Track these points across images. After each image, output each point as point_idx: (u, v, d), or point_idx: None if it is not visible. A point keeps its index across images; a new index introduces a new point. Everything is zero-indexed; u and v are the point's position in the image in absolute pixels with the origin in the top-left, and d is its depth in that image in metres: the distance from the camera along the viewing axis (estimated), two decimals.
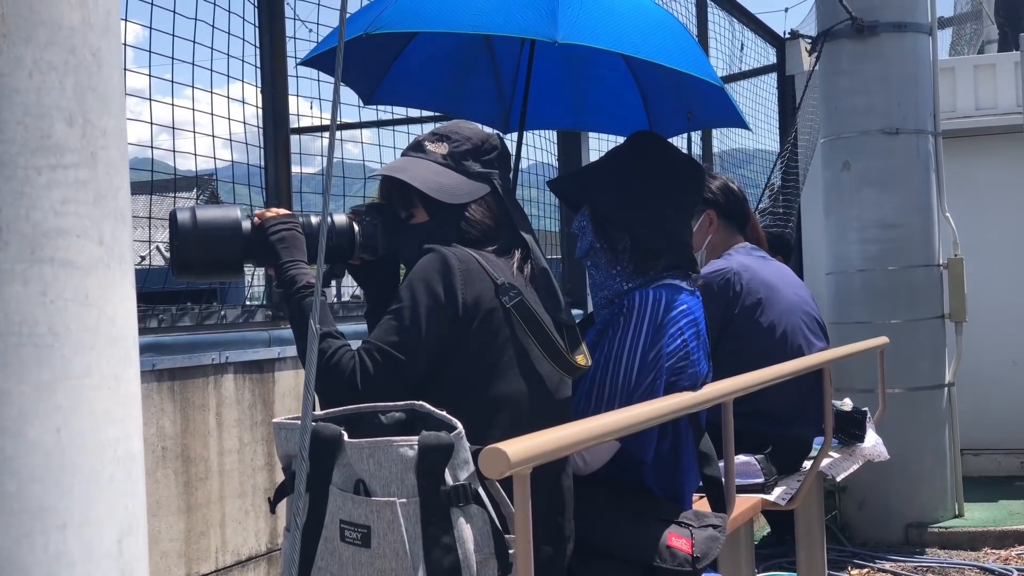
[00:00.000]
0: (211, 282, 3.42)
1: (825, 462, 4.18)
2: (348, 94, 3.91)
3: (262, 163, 4.14)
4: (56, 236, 1.29)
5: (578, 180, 3.35)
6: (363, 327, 4.25)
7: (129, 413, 1.40)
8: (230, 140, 4.00)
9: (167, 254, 2.92)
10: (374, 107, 4.74)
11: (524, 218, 2.75)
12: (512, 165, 2.85)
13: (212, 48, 3.80)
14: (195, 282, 2.93)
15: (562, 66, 3.91)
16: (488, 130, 2.78)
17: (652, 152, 3.13)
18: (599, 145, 6.42)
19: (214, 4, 3.82)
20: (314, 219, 2.75)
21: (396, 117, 5.20)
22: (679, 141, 3.90)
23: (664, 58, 3.23)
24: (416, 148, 2.73)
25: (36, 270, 1.26)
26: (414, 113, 5.10)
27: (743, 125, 3.83)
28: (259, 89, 4.11)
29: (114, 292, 1.37)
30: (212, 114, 3.87)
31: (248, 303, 4.41)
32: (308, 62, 3.61)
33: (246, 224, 2.64)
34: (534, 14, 3.12)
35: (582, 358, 2.66)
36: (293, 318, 2.60)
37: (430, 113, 5.15)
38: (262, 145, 4.10)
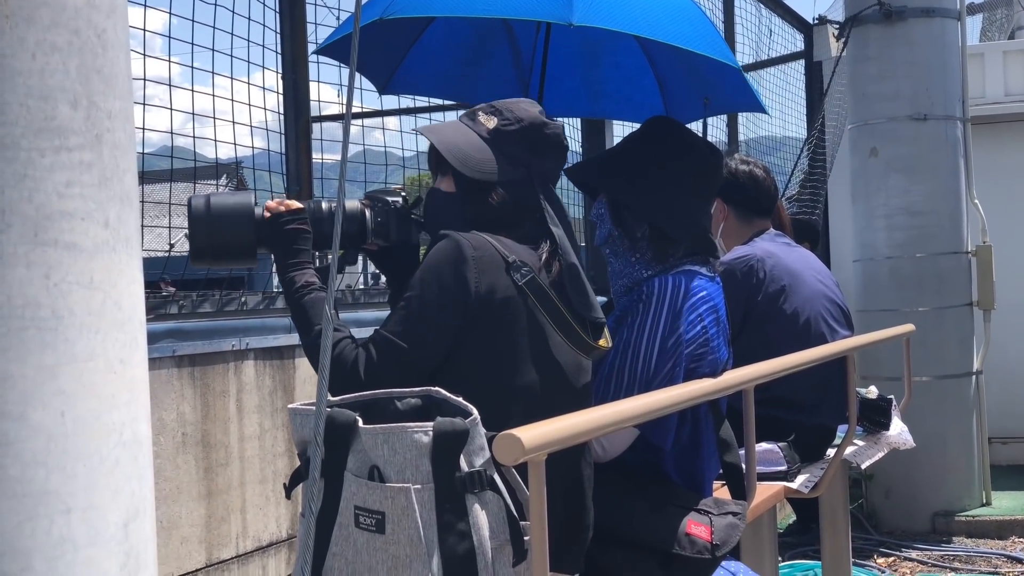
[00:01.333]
0: (227, 268, 3.42)
1: (849, 450, 4.14)
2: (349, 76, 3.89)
3: (282, 150, 4.13)
4: (60, 218, 1.28)
5: (594, 167, 3.32)
6: (375, 314, 4.26)
7: (135, 397, 1.39)
8: (250, 127, 3.99)
9: None
10: (396, 95, 4.73)
11: (560, 212, 2.66)
12: (564, 155, 2.75)
13: (232, 34, 3.79)
14: (213, 269, 2.92)
15: (578, 53, 3.89)
16: (551, 118, 2.69)
17: (668, 138, 3.10)
18: (624, 132, 6.40)
19: None
20: (324, 205, 2.75)
21: (419, 105, 5.19)
22: (696, 126, 3.87)
23: (680, 40, 3.21)
24: (469, 116, 2.68)
25: (39, 252, 1.25)
26: (437, 100, 5.09)
27: (760, 109, 3.81)
28: (280, 76, 4.10)
29: (120, 275, 1.36)
30: (233, 100, 3.86)
31: (273, 290, 4.41)
32: (323, 50, 3.61)
33: (259, 211, 2.64)
34: None
35: (604, 341, 2.63)
36: (294, 317, 2.62)
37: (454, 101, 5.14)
38: (283, 132, 4.09)
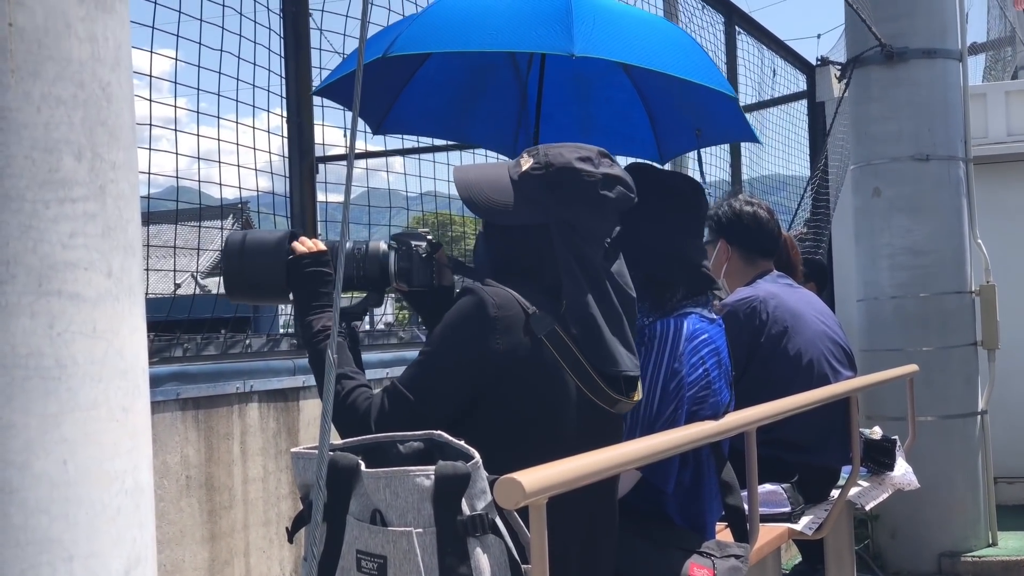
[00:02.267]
0: (260, 305, 3.50)
1: (854, 491, 4.14)
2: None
3: (287, 192, 4.16)
4: (64, 269, 1.29)
5: None
6: (389, 355, 4.27)
7: (138, 445, 1.40)
8: (255, 169, 4.02)
9: (202, 282, 3.02)
10: (399, 137, 4.77)
11: (590, 270, 2.54)
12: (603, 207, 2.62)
13: (238, 79, 3.83)
14: (247, 304, 2.98)
15: (570, 88, 3.92)
16: (593, 168, 2.57)
17: (644, 184, 3.11)
18: (624, 162, 6.42)
19: (240, 36, 3.85)
20: (351, 247, 2.76)
21: (422, 145, 5.21)
22: (691, 160, 3.92)
23: (676, 69, 3.26)
24: (516, 159, 2.64)
25: (43, 303, 1.27)
26: (440, 141, 5.11)
27: (753, 139, 3.85)
28: (284, 119, 4.14)
29: (123, 324, 1.38)
30: (238, 144, 3.89)
31: (281, 331, 4.43)
32: (322, 91, 3.64)
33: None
34: (550, 30, 3.15)
35: (636, 394, 2.60)
36: (310, 362, 2.64)
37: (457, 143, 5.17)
38: (287, 174, 4.12)
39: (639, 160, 3.61)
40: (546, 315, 2.45)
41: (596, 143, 4.50)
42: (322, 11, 4.26)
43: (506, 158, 4.02)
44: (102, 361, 1.33)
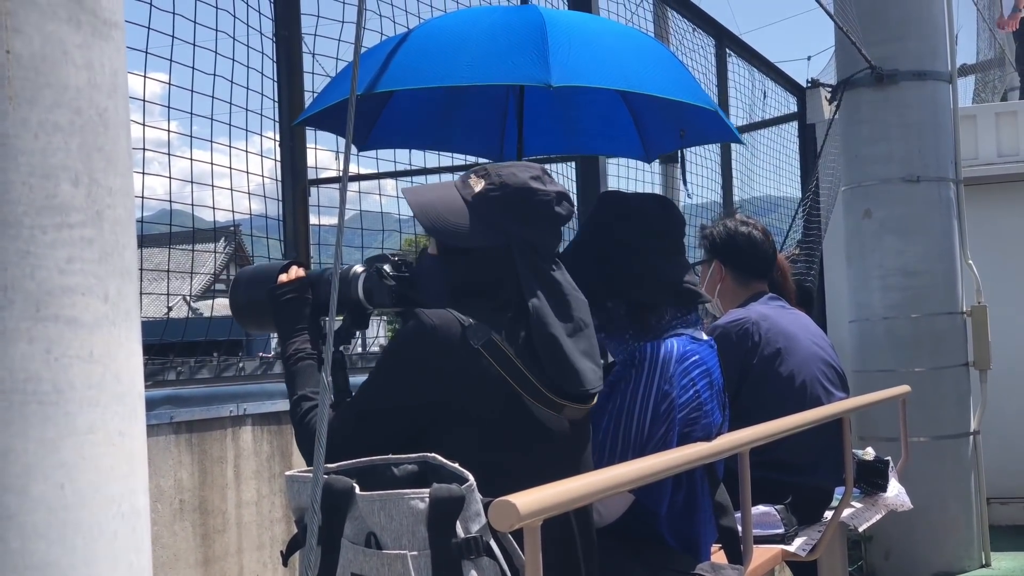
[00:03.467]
0: (264, 333, 3.58)
1: (847, 512, 4.15)
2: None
3: (279, 215, 4.18)
4: (61, 294, 1.30)
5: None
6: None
7: (134, 469, 1.41)
8: (248, 193, 4.03)
9: (194, 305, 3.14)
10: (392, 159, 4.79)
11: (550, 285, 2.56)
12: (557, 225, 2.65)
13: (231, 104, 3.84)
14: (256, 333, 3.10)
15: (551, 93, 3.95)
16: (546, 186, 2.59)
17: (613, 212, 3.12)
18: (618, 170, 6.47)
19: (233, 60, 3.87)
20: (327, 272, 2.81)
21: (414, 168, 5.23)
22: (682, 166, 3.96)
23: (656, 89, 3.30)
24: (463, 178, 2.64)
25: (41, 328, 1.28)
26: (445, 161, 5.14)
27: (736, 140, 3.88)
28: (277, 142, 4.15)
29: (120, 349, 1.39)
30: (231, 168, 3.91)
31: (263, 355, 4.44)
32: (305, 121, 3.67)
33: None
34: (526, 60, 3.17)
35: (591, 402, 2.60)
36: (286, 385, 2.68)
37: (449, 162, 5.20)
38: (280, 198, 4.14)
39: (610, 189, 3.65)
40: (481, 326, 2.44)
41: (581, 145, 4.56)
42: (314, 35, 4.28)
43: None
44: (99, 386, 1.34)
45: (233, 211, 4.00)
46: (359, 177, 5.56)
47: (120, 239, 1.41)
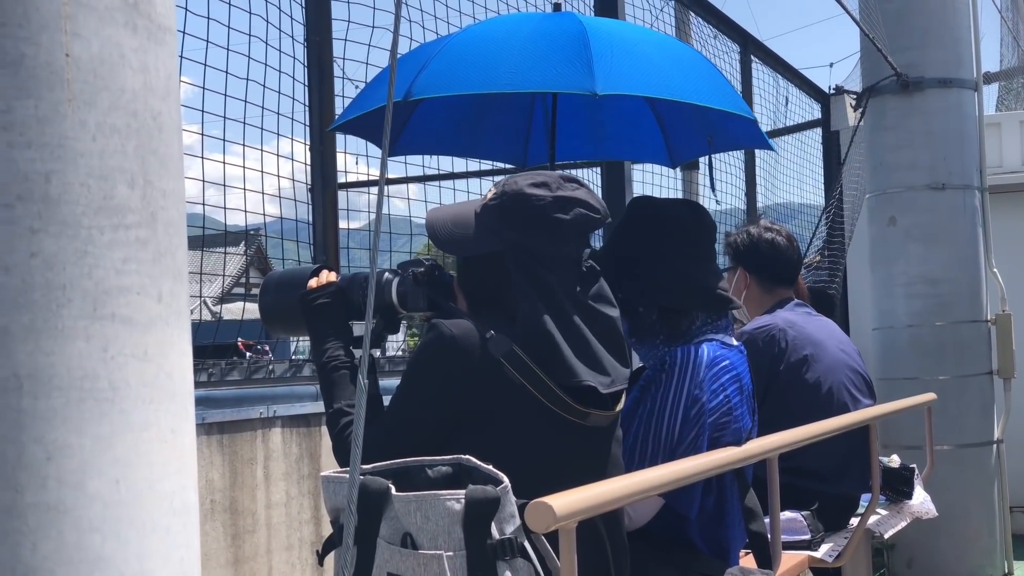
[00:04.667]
0: (294, 337, 3.62)
1: (872, 519, 4.15)
2: (375, 147, 3.98)
3: (310, 219, 4.21)
4: (117, 294, 1.33)
5: None
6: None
7: (185, 466, 1.43)
8: (279, 197, 4.06)
9: (214, 308, 3.17)
10: (420, 163, 4.82)
11: (545, 289, 2.53)
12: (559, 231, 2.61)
13: (264, 108, 3.88)
14: (282, 336, 3.12)
15: (579, 98, 3.96)
16: (543, 191, 2.58)
17: (644, 216, 3.14)
18: (642, 176, 6.50)
19: (265, 64, 3.90)
20: (360, 276, 2.83)
21: (442, 172, 5.25)
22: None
23: (697, 97, 3.30)
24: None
25: (98, 326, 1.30)
26: (466, 167, 5.16)
27: (767, 146, 3.88)
28: (307, 147, 4.18)
29: (172, 348, 1.41)
30: (262, 171, 3.94)
31: (294, 357, 4.47)
32: (338, 128, 3.70)
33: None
34: (570, 68, 3.19)
35: (617, 406, 2.62)
36: (321, 390, 2.71)
37: (477, 167, 5.22)
38: (310, 202, 4.17)
39: (641, 195, 3.66)
40: (503, 337, 2.46)
41: (607, 151, 4.59)
42: (345, 41, 4.31)
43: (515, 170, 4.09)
44: (153, 384, 1.36)
45: (264, 215, 4.03)
46: (387, 182, 5.58)
47: (172, 240, 1.43)
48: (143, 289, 1.36)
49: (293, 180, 4.15)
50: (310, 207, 4.18)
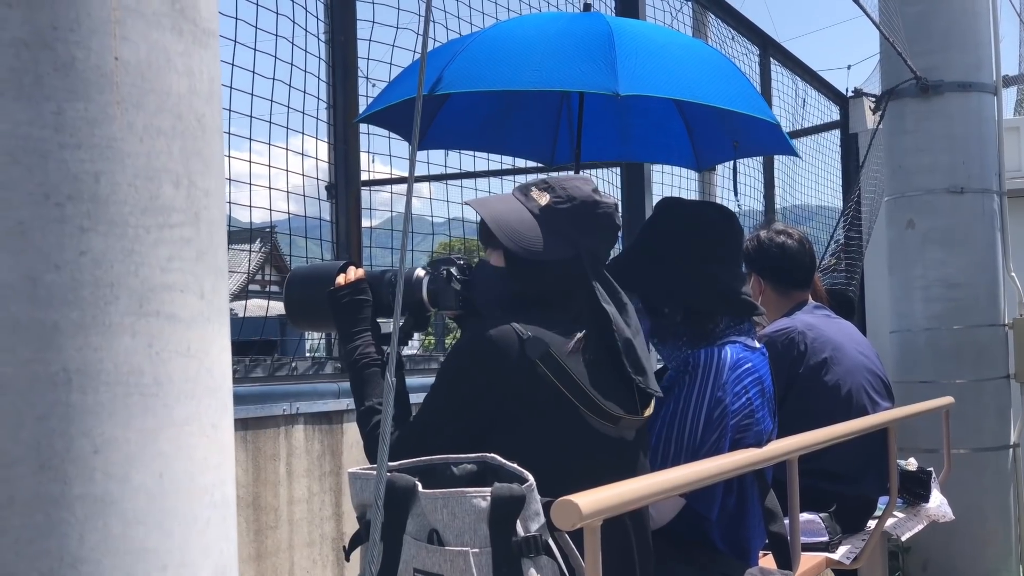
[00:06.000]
0: (319, 332, 3.65)
1: (890, 522, 4.17)
2: (398, 146, 4.01)
3: (333, 217, 4.24)
4: (162, 291, 1.36)
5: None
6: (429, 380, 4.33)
7: (224, 460, 1.46)
8: (304, 196, 4.09)
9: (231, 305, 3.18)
10: (440, 163, 4.85)
11: (612, 290, 2.65)
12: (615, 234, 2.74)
13: (289, 107, 3.91)
14: (307, 331, 3.13)
15: (606, 99, 3.98)
16: (604, 197, 2.67)
17: (672, 217, 3.16)
18: (662, 178, 6.51)
19: (291, 64, 3.94)
20: (388, 274, 2.85)
21: (463, 171, 5.28)
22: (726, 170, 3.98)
23: (719, 100, 3.33)
24: (522, 190, 2.69)
25: (143, 323, 1.33)
26: (481, 166, 5.19)
27: (792, 152, 3.90)
28: (331, 146, 4.21)
29: (213, 344, 1.44)
30: (287, 170, 3.97)
31: (310, 354, 4.50)
32: (365, 119, 3.72)
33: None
34: (593, 68, 3.21)
35: (647, 410, 2.66)
36: (352, 388, 2.73)
37: (497, 167, 5.25)
38: (334, 200, 4.20)
39: (670, 196, 3.67)
40: (539, 339, 2.48)
41: (633, 152, 4.61)
42: (369, 41, 4.35)
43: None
44: (195, 379, 1.39)
45: (289, 213, 4.06)
46: (398, 180, 5.62)
47: (214, 239, 1.46)
48: (186, 287, 1.39)
49: (316, 178, 4.18)
50: (333, 205, 4.21)
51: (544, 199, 2.64)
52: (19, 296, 1.25)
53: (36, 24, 1.28)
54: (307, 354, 5.01)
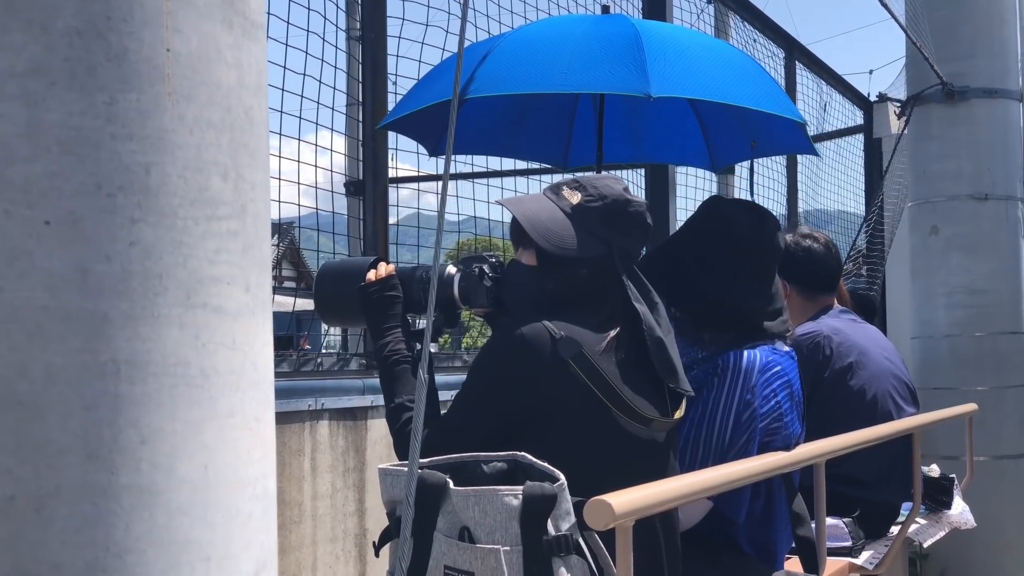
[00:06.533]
0: (350, 327, 3.65)
1: (912, 528, 4.16)
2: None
3: (360, 215, 4.24)
4: (209, 283, 1.36)
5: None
6: (454, 378, 4.33)
7: (266, 454, 1.47)
8: (331, 191, 4.10)
9: None
10: (461, 160, 4.85)
11: (644, 289, 2.64)
12: (647, 234, 2.72)
13: (319, 103, 3.91)
14: (338, 327, 3.14)
15: (621, 100, 3.97)
16: (635, 196, 2.67)
17: (705, 218, 3.11)
18: (686, 180, 6.51)
19: (322, 60, 3.94)
20: (418, 272, 2.84)
21: (477, 170, 5.28)
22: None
23: (748, 101, 3.31)
24: (553, 189, 2.69)
25: (191, 315, 1.34)
26: (496, 164, 5.19)
27: (812, 152, 3.87)
28: (359, 143, 4.22)
29: (257, 337, 1.44)
30: (316, 166, 3.97)
31: (325, 350, 4.50)
32: (387, 125, 3.72)
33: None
34: (624, 70, 3.20)
35: (678, 413, 2.66)
36: (381, 384, 2.73)
37: (520, 166, 5.25)
38: (361, 197, 4.20)
39: (716, 195, 3.65)
40: (572, 339, 2.48)
41: (647, 153, 4.59)
42: (399, 38, 4.34)
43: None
44: (239, 372, 1.40)
45: (317, 209, 4.06)
46: (422, 178, 5.62)
47: (259, 232, 1.46)
48: (233, 279, 1.39)
49: (342, 174, 4.18)
50: (360, 202, 4.22)
51: (576, 198, 2.63)
52: (70, 286, 1.25)
53: (90, 13, 1.28)
54: (322, 350, 5.00)
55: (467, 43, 4.38)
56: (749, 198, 6.57)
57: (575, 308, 2.57)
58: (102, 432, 1.27)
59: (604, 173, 2.76)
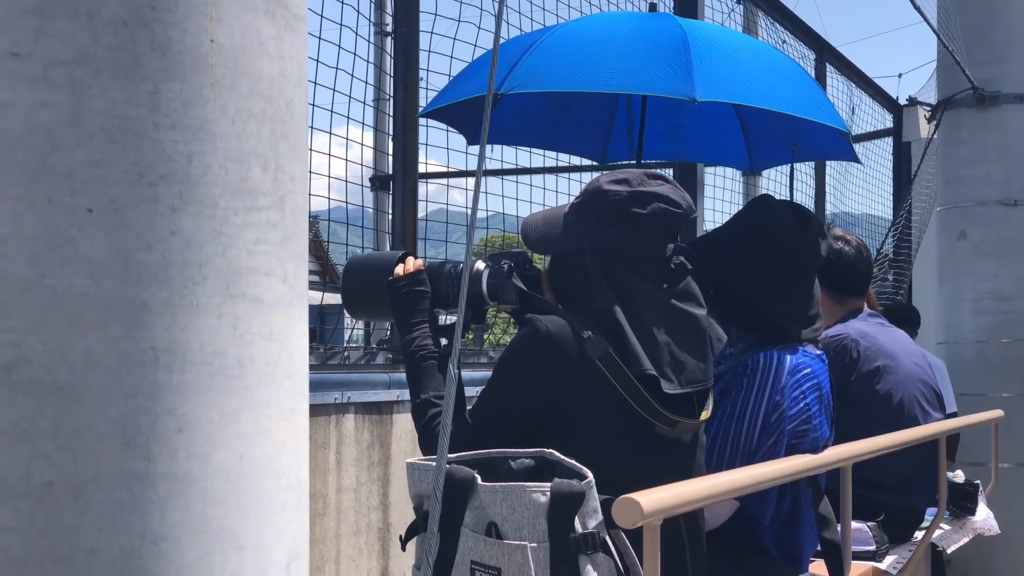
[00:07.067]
0: (375, 321, 3.65)
1: (936, 533, 4.14)
2: (455, 140, 4.02)
3: (390, 208, 4.25)
4: (248, 274, 1.36)
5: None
6: (479, 375, 4.33)
7: (300, 445, 1.47)
8: (362, 185, 4.11)
9: None
10: (492, 157, 4.85)
11: (617, 283, 2.54)
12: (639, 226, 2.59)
13: (351, 97, 3.92)
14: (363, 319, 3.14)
15: (663, 99, 3.95)
16: (617, 187, 2.57)
17: (751, 225, 3.07)
18: (713, 180, 6.50)
19: (354, 55, 3.95)
20: (447, 266, 2.84)
21: (506, 167, 5.27)
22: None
23: (792, 107, 3.29)
24: None
25: (229, 305, 1.34)
26: (523, 161, 5.18)
27: (854, 159, 3.85)
28: (391, 137, 4.23)
29: (293, 328, 1.45)
30: (347, 159, 3.98)
31: (347, 344, 4.51)
32: (429, 113, 3.73)
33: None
34: (669, 72, 3.18)
35: (704, 413, 2.64)
36: (408, 379, 2.73)
37: (543, 162, 5.25)
38: (391, 191, 4.21)
39: (765, 194, 3.62)
40: (600, 339, 2.47)
41: (687, 152, 4.58)
42: (431, 33, 4.35)
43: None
44: (276, 363, 1.40)
45: (347, 203, 4.07)
46: (450, 174, 5.62)
47: (298, 224, 1.47)
48: (271, 270, 1.40)
49: (374, 168, 4.19)
50: (390, 196, 4.23)
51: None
52: (111, 273, 1.26)
53: (135, 3, 1.29)
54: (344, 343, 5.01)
55: (501, 40, 4.39)
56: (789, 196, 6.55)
57: (571, 304, 2.59)
58: (140, 419, 1.27)
59: (619, 169, 2.72)
